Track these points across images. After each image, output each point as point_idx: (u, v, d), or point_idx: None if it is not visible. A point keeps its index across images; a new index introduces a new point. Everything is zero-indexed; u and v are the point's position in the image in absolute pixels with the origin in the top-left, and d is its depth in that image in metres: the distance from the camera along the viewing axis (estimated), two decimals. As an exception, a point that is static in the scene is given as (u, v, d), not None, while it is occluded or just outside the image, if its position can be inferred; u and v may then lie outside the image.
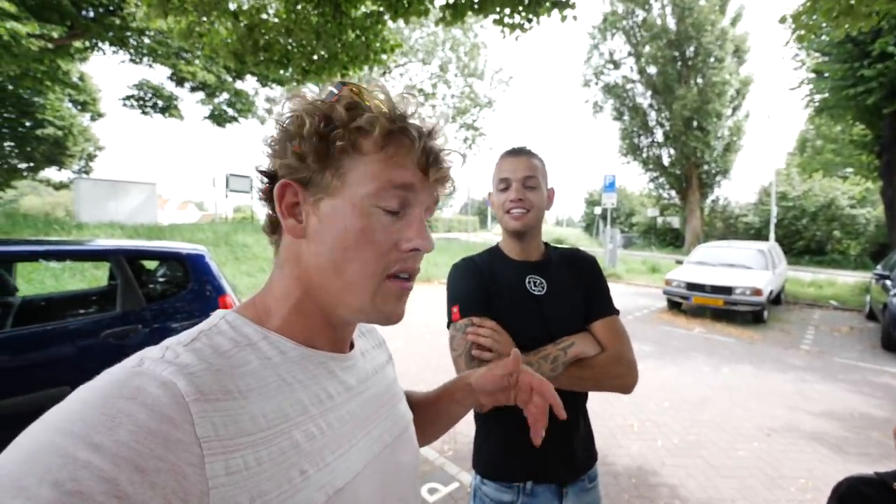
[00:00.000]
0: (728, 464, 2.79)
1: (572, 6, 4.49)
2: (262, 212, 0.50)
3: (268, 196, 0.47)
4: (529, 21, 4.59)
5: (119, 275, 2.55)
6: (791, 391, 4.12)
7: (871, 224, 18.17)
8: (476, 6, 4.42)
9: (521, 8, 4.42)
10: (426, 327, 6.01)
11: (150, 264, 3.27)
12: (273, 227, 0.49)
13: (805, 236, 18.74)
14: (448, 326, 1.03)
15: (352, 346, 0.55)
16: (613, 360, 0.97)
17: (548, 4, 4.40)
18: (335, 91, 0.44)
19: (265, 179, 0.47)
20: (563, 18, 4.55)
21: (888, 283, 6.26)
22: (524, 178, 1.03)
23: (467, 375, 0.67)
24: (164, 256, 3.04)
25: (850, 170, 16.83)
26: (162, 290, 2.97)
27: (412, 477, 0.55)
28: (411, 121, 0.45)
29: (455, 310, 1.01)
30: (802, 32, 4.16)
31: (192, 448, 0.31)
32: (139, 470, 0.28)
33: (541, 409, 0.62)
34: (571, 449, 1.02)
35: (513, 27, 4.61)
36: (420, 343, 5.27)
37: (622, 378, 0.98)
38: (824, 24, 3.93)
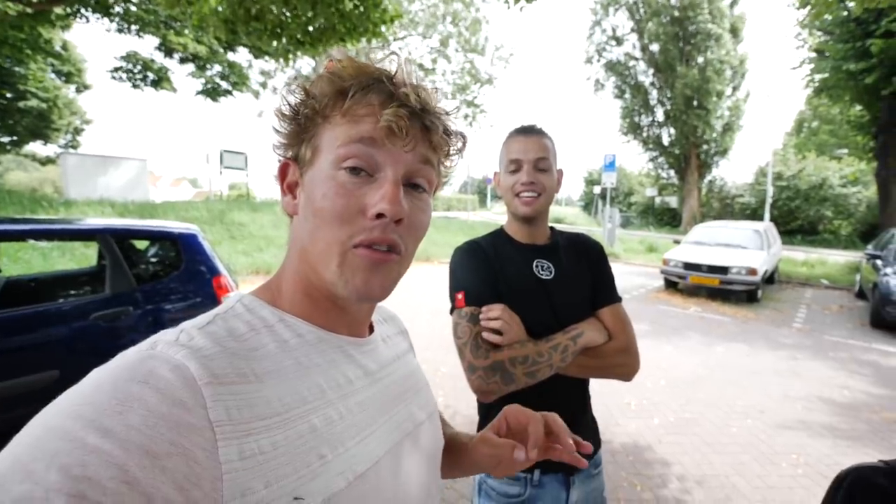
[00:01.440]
0: (722, 441, 2.85)
1: None
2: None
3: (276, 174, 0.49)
4: (537, -10, 4.39)
5: (108, 255, 2.46)
6: (783, 369, 4.19)
7: (863, 204, 18.31)
8: None
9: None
10: (426, 307, 6.01)
11: (141, 244, 3.18)
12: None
13: (798, 216, 18.87)
14: (451, 312, 0.99)
15: (371, 331, 0.53)
16: (621, 350, 0.97)
17: None
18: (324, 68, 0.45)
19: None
20: None
21: (879, 262, 6.36)
22: (536, 160, 0.97)
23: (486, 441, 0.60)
24: (154, 236, 2.95)
25: (844, 151, 16.82)
26: (153, 271, 2.90)
27: (434, 465, 0.54)
28: (377, 74, 0.42)
29: (460, 296, 0.97)
30: (816, 10, 4.03)
31: (204, 432, 0.31)
32: (149, 455, 0.28)
33: (565, 444, 0.57)
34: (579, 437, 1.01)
35: (517, -3, 4.41)
36: (420, 323, 5.27)
37: (626, 367, 0.98)
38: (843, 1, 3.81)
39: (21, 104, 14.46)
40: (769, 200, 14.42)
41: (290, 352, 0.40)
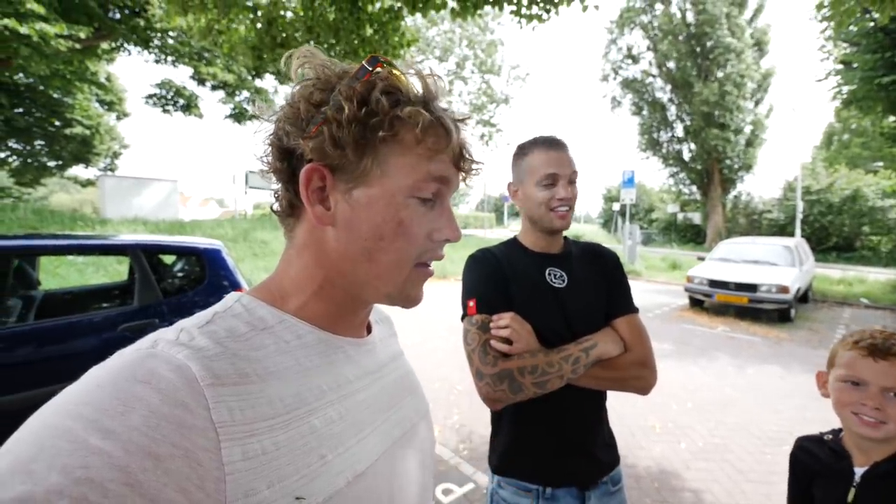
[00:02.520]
0: (757, 469, 2.67)
1: None
2: (264, 188, 0.47)
3: (285, 175, 0.44)
4: (548, 11, 4.49)
5: (137, 269, 2.58)
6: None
7: (905, 219, 17.35)
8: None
9: (541, -2, 4.31)
10: (442, 324, 5.97)
11: (169, 259, 3.32)
12: (291, 209, 0.46)
13: (832, 232, 18.02)
14: (462, 319, 0.99)
15: (369, 331, 0.54)
16: (637, 362, 0.94)
17: None
18: (368, 68, 0.41)
19: (280, 157, 0.43)
20: (585, 8, 4.44)
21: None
22: (571, 174, 0.98)
23: None
24: (181, 251, 3.07)
25: (880, 164, 16.07)
26: (179, 285, 3.01)
27: (429, 464, 0.55)
28: (444, 108, 0.44)
29: (471, 303, 0.97)
30: (838, 19, 3.95)
31: (207, 433, 0.30)
32: (152, 456, 0.27)
33: None
34: (592, 450, 0.98)
35: (530, 18, 4.52)
36: (437, 339, 5.24)
37: (643, 380, 0.95)
38: (866, 10, 3.73)
39: (67, 131, 15.49)
40: (799, 216, 13.89)
41: (291, 352, 0.40)
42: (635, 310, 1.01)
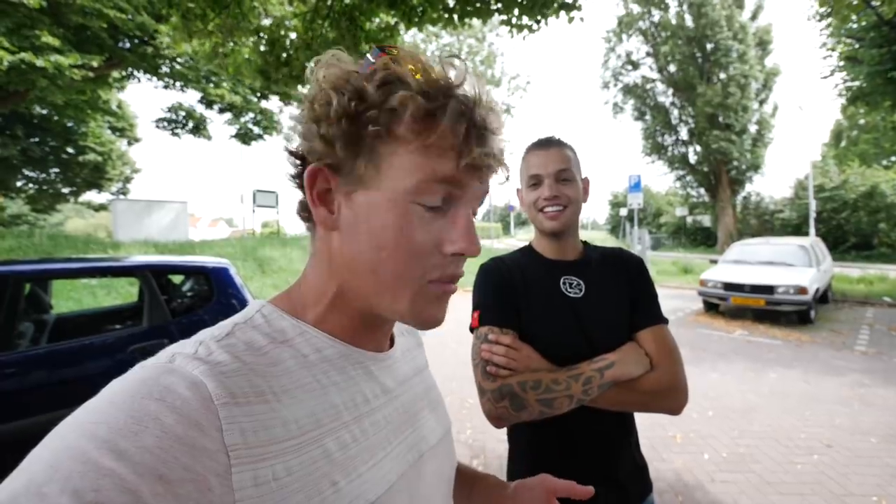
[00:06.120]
0: (786, 479, 2.55)
1: (578, 7, 4.48)
2: (291, 194, 0.45)
3: (300, 179, 0.42)
4: (538, 22, 4.58)
5: (146, 290, 2.59)
6: (849, 396, 3.77)
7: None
8: (479, 9, 4.42)
9: (528, 10, 4.41)
10: (452, 336, 5.90)
11: (177, 279, 3.33)
12: (307, 213, 0.43)
13: (848, 230, 17.64)
14: (471, 331, 0.94)
15: (392, 343, 0.50)
16: (665, 384, 0.84)
17: (555, 6, 4.37)
18: (372, 60, 0.38)
19: (297, 161, 0.42)
20: (571, 20, 4.56)
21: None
22: (557, 172, 0.92)
23: (507, 486, 0.61)
24: (189, 270, 3.08)
25: (894, 158, 15.79)
26: (188, 305, 3.01)
27: (449, 487, 0.52)
28: (456, 92, 0.37)
29: (475, 315, 0.92)
30: (841, 14, 3.92)
31: (218, 457, 0.29)
32: (163, 480, 0.27)
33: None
34: (616, 477, 0.89)
35: (521, 28, 4.62)
36: (446, 354, 5.17)
37: (673, 402, 0.85)
38: (868, 4, 3.69)
39: (81, 158, 15.94)
40: (812, 214, 13.63)
41: (309, 368, 0.38)
42: (664, 321, 0.91)
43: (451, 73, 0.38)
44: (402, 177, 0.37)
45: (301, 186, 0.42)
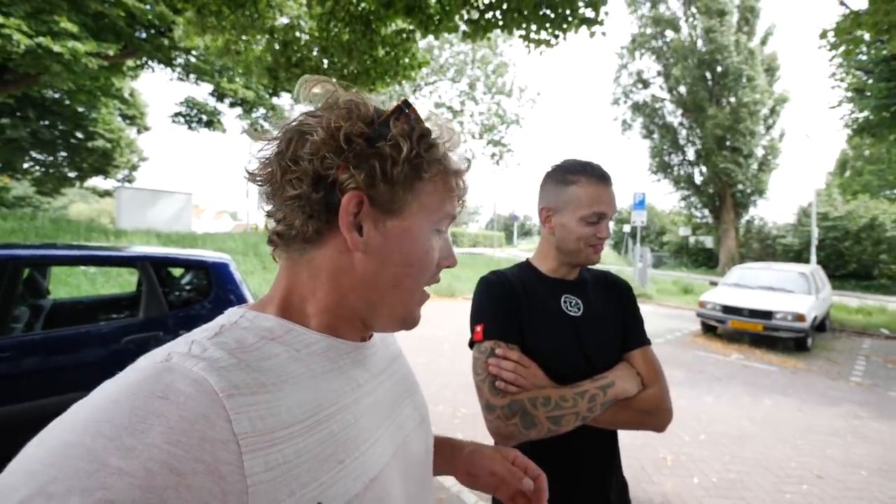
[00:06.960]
0: (775, 509, 2.53)
1: (600, 23, 4.48)
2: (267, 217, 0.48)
3: (315, 202, 0.41)
4: (556, 37, 4.60)
5: (144, 281, 2.59)
6: (843, 428, 3.75)
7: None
8: (501, 23, 4.45)
9: (547, 24, 4.42)
10: (448, 344, 5.89)
11: (177, 271, 3.33)
12: (317, 235, 0.43)
13: (849, 259, 17.63)
14: (470, 345, 0.93)
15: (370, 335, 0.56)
16: (655, 402, 0.89)
17: (575, 21, 4.39)
18: (405, 110, 0.45)
19: (312, 183, 0.41)
20: (592, 34, 4.54)
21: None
22: (614, 214, 0.94)
23: (466, 445, 0.65)
24: (188, 264, 3.07)
25: (896, 191, 15.85)
26: (186, 298, 3.01)
27: (428, 464, 0.57)
28: (460, 158, 0.50)
29: (479, 329, 0.91)
30: (846, 48, 3.95)
31: (228, 446, 0.30)
32: (174, 473, 0.27)
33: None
34: (607, 494, 0.91)
35: (539, 42, 4.62)
36: (442, 360, 5.15)
37: (661, 419, 0.90)
38: (874, 40, 3.73)
39: (90, 144, 16.02)
40: (814, 242, 13.63)
41: (301, 360, 0.40)
42: (649, 342, 0.97)
43: (454, 138, 0.49)
44: (433, 210, 0.47)
45: (311, 205, 0.42)
